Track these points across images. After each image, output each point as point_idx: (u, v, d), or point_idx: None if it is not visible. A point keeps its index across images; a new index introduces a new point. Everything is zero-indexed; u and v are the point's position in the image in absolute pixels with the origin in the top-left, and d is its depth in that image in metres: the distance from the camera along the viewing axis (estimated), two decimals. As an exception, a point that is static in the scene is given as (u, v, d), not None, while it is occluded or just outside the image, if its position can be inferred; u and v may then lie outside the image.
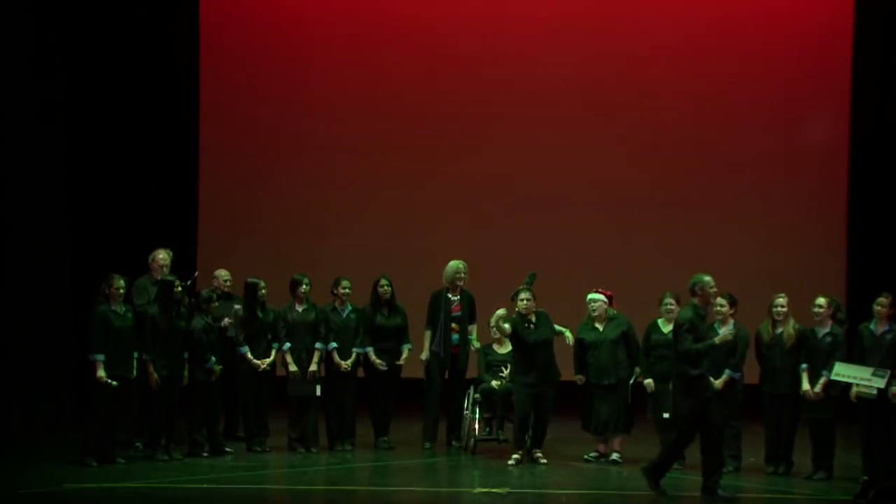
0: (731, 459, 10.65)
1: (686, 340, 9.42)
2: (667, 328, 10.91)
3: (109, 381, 10.32)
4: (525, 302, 10.94)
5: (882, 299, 10.23)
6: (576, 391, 11.26)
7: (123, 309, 10.57)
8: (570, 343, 11.06)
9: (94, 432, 10.44)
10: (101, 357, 10.35)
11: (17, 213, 13.09)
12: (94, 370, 10.34)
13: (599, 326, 11.10)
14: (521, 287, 11.06)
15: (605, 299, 11.15)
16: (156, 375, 10.65)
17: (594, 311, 11.11)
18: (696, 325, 9.52)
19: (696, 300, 9.59)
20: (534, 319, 10.98)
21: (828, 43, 14.97)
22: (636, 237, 14.97)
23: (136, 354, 10.61)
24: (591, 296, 11.18)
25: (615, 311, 11.18)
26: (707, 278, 9.62)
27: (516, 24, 15.20)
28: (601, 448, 11.11)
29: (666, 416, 10.76)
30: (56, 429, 12.37)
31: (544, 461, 10.94)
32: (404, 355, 11.69)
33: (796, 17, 15.09)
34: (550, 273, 11.88)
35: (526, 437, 10.94)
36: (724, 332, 10.20)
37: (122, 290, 10.55)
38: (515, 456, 10.87)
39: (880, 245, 14.46)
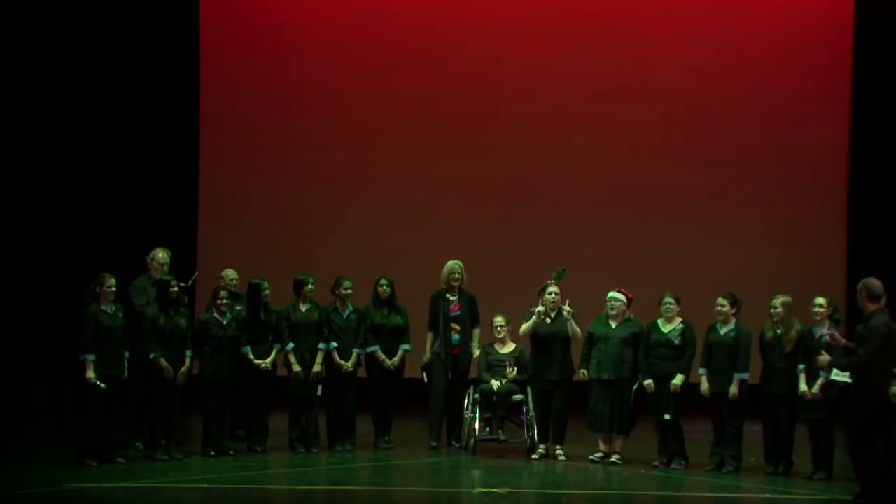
0: (732, 459, 10.66)
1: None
2: (666, 328, 10.93)
3: (98, 382, 10.29)
4: (553, 296, 11.13)
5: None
6: (583, 390, 11.25)
7: (114, 308, 10.51)
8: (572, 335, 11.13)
9: (89, 432, 10.41)
10: (91, 357, 10.31)
11: (17, 213, 13.09)
12: (84, 370, 10.32)
13: (612, 324, 11.10)
14: (549, 282, 11.25)
15: (625, 300, 11.14)
16: (171, 369, 10.63)
17: (612, 309, 11.08)
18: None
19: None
20: (553, 315, 11.11)
21: (828, 43, 14.97)
22: (635, 237, 14.96)
23: (126, 354, 10.56)
24: (612, 294, 11.14)
25: (631, 315, 11.17)
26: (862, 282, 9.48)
27: (519, 22, 15.19)
28: (605, 448, 11.11)
29: (667, 417, 10.77)
30: (56, 429, 12.38)
31: (563, 458, 11.04)
32: (398, 356, 11.68)
33: (796, 17, 15.09)
34: (550, 272, 11.84)
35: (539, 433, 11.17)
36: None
37: (113, 289, 10.48)
38: (540, 451, 11.13)
39: (880, 245, 14.45)
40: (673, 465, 10.83)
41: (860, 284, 9.45)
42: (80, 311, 10.54)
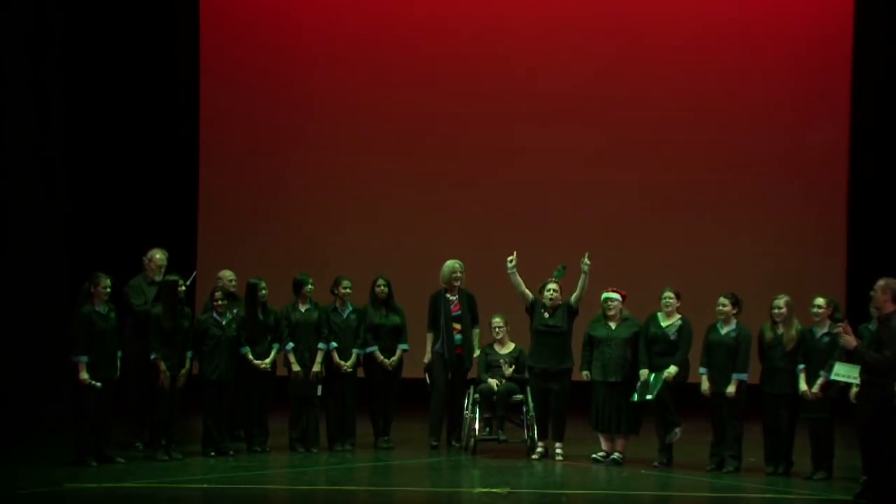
0: (732, 459, 10.66)
1: None
2: (665, 322, 10.92)
3: (93, 382, 10.28)
4: (552, 293, 11.12)
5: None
6: (585, 390, 11.24)
7: (107, 309, 10.48)
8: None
9: (85, 433, 10.39)
10: (84, 359, 10.29)
11: (17, 213, 13.10)
12: (77, 371, 10.29)
13: (612, 324, 11.08)
14: (550, 280, 11.24)
15: (620, 298, 11.13)
16: (168, 374, 10.64)
17: (610, 309, 11.06)
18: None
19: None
20: (553, 310, 11.13)
21: (828, 43, 14.98)
22: (636, 237, 14.96)
23: (119, 354, 10.55)
24: (607, 294, 11.12)
25: (628, 313, 11.16)
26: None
27: (517, 23, 15.19)
28: (606, 446, 11.11)
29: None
30: (56, 429, 12.37)
31: (560, 455, 11.05)
32: (397, 355, 11.68)
33: (796, 18, 15.10)
34: (548, 272, 11.84)
35: (542, 429, 11.17)
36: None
37: (108, 290, 10.45)
38: (539, 449, 11.13)
39: (880, 245, 14.46)
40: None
41: (882, 283, 9.26)
42: (73, 310, 10.52)
